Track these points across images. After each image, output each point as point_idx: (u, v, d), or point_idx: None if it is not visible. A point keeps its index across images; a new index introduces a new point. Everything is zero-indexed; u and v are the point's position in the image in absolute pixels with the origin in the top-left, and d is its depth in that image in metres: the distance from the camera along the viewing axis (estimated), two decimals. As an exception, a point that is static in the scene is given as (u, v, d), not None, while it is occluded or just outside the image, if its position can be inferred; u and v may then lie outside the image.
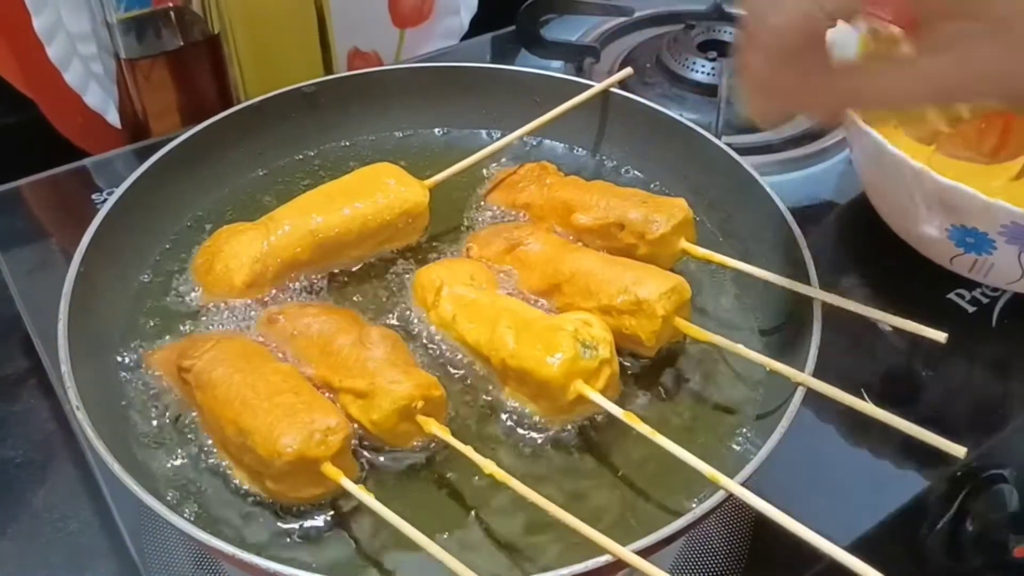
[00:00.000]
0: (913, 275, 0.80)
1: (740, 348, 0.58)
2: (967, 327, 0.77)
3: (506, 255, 0.67)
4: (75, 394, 0.53)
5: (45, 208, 0.89)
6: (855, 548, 0.46)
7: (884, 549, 0.64)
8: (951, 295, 0.80)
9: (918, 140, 0.88)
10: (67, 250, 0.83)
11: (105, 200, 0.84)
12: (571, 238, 0.68)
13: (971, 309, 0.79)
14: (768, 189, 0.67)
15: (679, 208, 0.65)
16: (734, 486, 0.49)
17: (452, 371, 0.61)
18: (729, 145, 0.86)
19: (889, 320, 0.57)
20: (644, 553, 0.47)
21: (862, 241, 0.86)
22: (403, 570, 0.52)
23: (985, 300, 0.80)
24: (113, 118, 0.98)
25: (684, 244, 0.65)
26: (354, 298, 0.66)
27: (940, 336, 0.55)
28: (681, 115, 0.91)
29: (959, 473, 0.69)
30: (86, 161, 0.90)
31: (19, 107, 0.96)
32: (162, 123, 0.96)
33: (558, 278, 0.63)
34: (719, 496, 0.50)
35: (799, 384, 0.55)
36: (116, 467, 0.50)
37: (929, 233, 0.76)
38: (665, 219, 0.64)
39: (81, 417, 0.52)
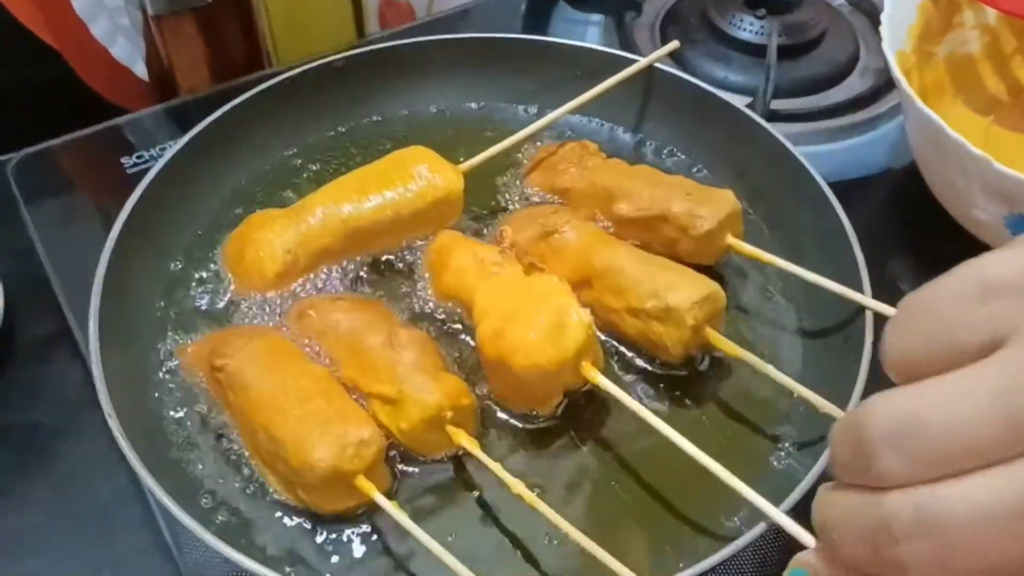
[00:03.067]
0: (963, 254, 0.76)
1: (772, 370, 0.56)
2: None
3: (540, 242, 0.65)
4: (107, 401, 0.54)
5: (74, 169, 0.88)
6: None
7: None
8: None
9: (976, 111, 0.85)
10: (96, 212, 0.83)
11: (135, 165, 0.84)
12: (610, 228, 0.66)
13: (1023, 294, 0.76)
14: (820, 179, 0.64)
15: (726, 201, 0.63)
16: (779, 516, 0.48)
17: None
18: (777, 112, 0.83)
19: None
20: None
21: (912, 216, 0.82)
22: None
23: (1038, 284, 0.76)
24: (141, 71, 0.95)
25: (730, 240, 0.63)
26: (385, 286, 0.65)
27: None
28: (727, 77, 0.88)
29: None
30: (117, 121, 0.88)
31: (46, 60, 0.94)
32: (190, 78, 0.94)
33: (589, 272, 0.61)
34: (762, 527, 0.48)
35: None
36: (151, 482, 0.50)
37: (984, 219, 0.73)
38: (710, 214, 0.62)
39: (114, 426, 0.52)
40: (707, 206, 0.62)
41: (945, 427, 0.28)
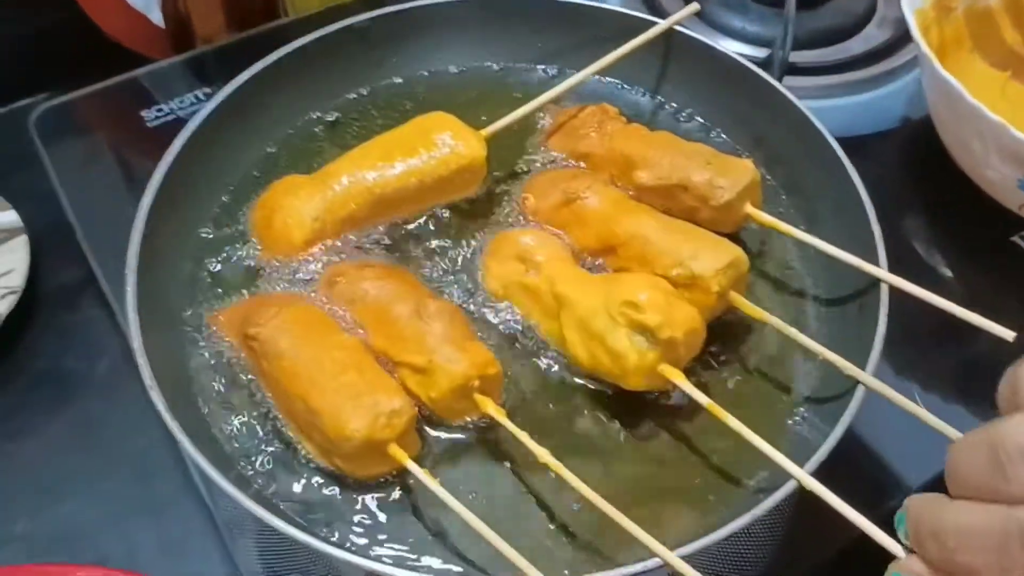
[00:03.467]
0: (976, 213, 0.78)
1: (796, 334, 0.58)
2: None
3: (563, 208, 0.66)
4: (149, 373, 0.55)
5: (95, 121, 0.88)
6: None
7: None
8: (1015, 238, 0.78)
9: (993, 65, 0.85)
10: (117, 164, 0.84)
11: (156, 118, 0.84)
12: (630, 193, 0.67)
13: (1035, 253, 0.77)
14: (837, 148, 0.65)
15: (745, 171, 0.63)
16: (806, 477, 0.50)
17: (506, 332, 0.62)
18: (795, 65, 0.84)
19: (957, 313, 0.56)
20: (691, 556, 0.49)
21: (926, 172, 0.83)
22: (466, 546, 0.54)
23: (1051, 244, 0.78)
24: (156, 18, 0.95)
25: (749, 209, 0.64)
26: (412, 252, 0.66)
27: (1008, 334, 0.54)
28: (744, 28, 0.88)
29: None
30: (136, 72, 0.88)
31: (62, 4, 0.94)
32: (207, 25, 0.94)
33: (613, 240, 0.63)
34: (789, 487, 0.50)
35: (860, 383, 0.55)
36: (193, 451, 0.52)
37: (998, 180, 0.74)
38: (730, 185, 0.63)
39: (156, 397, 0.54)
40: (727, 176, 0.63)
41: None
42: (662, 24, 0.71)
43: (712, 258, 0.59)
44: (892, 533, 0.40)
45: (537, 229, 0.66)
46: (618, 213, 0.64)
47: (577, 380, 0.60)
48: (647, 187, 0.65)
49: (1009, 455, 0.31)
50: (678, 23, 0.72)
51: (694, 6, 0.73)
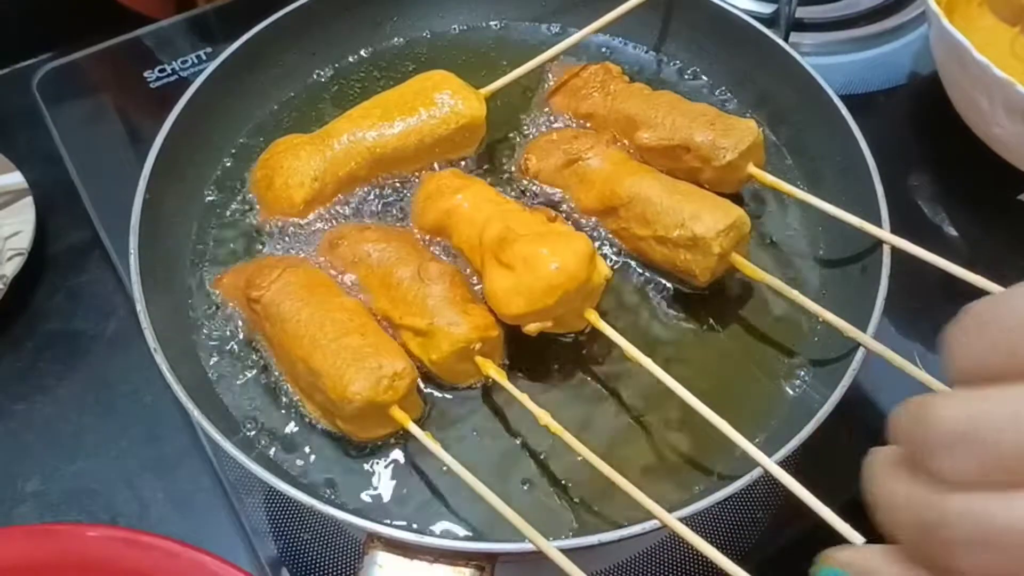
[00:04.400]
0: (983, 171, 0.77)
1: (797, 295, 0.58)
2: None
3: (564, 169, 0.66)
4: (152, 336, 0.56)
5: (98, 82, 0.88)
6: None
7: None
8: (1022, 196, 0.77)
9: (1003, 20, 0.83)
10: (121, 123, 0.85)
11: (157, 79, 0.84)
12: (633, 154, 0.66)
13: (1041, 211, 0.77)
14: (843, 108, 0.64)
15: (748, 132, 0.63)
16: (772, 465, 0.50)
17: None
18: (802, 21, 0.83)
19: (959, 274, 0.55)
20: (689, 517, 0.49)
21: (932, 129, 0.83)
22: (467, 508, 0.55)
23: (1056, 202, 0.77)
24: (159, -23, 0.94)
25: (752, 169, 0.63)
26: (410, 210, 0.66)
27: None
28: (750, -16, 0.86)
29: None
30: (139, 32, 0.88)
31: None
32: (208, -18, 0.93)
33: (615, 201, 0.63)
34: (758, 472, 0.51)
35: (860, 344, 0.55)
36: (198, 415, 0.53)
37: (1005, 137, 0.73)
38: (732, 145, 0.62)
39: (160, 360, 0.55)
40: (729, 137, 0.63)
41: (1010, 436, 0.28)
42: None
43: (713, 219, 0.59)
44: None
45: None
46: (620, 174, 0.63)
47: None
48: (649, 147, 0.65)
49: (936, 439, 0.30)
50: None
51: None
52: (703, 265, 0.59)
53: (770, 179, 0.63)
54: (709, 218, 0.59)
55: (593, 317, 0.57)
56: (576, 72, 0.71)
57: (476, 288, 0.60)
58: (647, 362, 0.55)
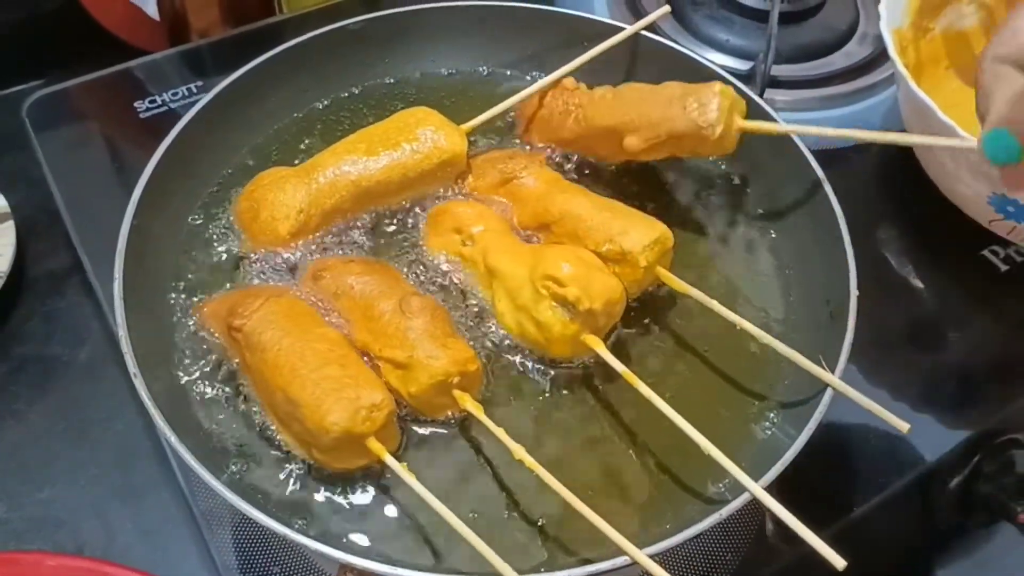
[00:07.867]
0: (948, 227, 0.80)
1: (719, 307, 0.61)
2: (999, 285, 0.78)
3: (500, 187, 0.69)
4: (132, 360, 0.56)
5: (88, 111, 0.89)
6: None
7: (899, 502, 0.68)
8: (985, 251, 0.80)
9: (969, 83, 0.86)
10: (108, 153, 0.85)
11: (148, 110, 0.85)
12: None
13: (1004, 268, 0.79)
14: (813, 161, 0.66)
15: (723, 96, 0.65)
16: (758, 490, 0.52)
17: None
18: (776, 79, 0.85)
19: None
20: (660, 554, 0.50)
21: (900, 185, 0.85)
22: (441, 541, 0.56)
23: (1019, 259, 0.80)
24: (152, 11, 0.96)
25: (740, 123, 0.66)
26: (394, 243, 0.68)
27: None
28: (728, 40, 0.89)
29: (977, 435, 0.71)
30: (131, 64, 0.89)
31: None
32: (202, 18, 0.95)
33: (547, 218, 0.66)
34: (744, 498, 0.52)
35: (828, 386, 0.57)
36: (175, 442, 0.53)
37: (969, 195, 0.76)
38: (716, 120, 0.65)
39: (139, 385, 0.55)
40: (708, 112, 0.65)
41: None
42: (628, 30, 0.74)
43: (640, 235, 0.62)
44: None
45: (475, 200, 0.69)
46: (552, 192, 0.67)
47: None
48: (642, 149, 0.68)
49: None
50: (656, 23, 0.74)
51: (664, 9, 0.76)
52: (630, 278, 0.63)
53: (763, 126, 0.67)
54: (636, 233, 0.63)
55: (601, 348, 0.60)
56: (537, 105, 0.73)
57: (458, 322, 0.62)
58: (646, 391, 0.57)
